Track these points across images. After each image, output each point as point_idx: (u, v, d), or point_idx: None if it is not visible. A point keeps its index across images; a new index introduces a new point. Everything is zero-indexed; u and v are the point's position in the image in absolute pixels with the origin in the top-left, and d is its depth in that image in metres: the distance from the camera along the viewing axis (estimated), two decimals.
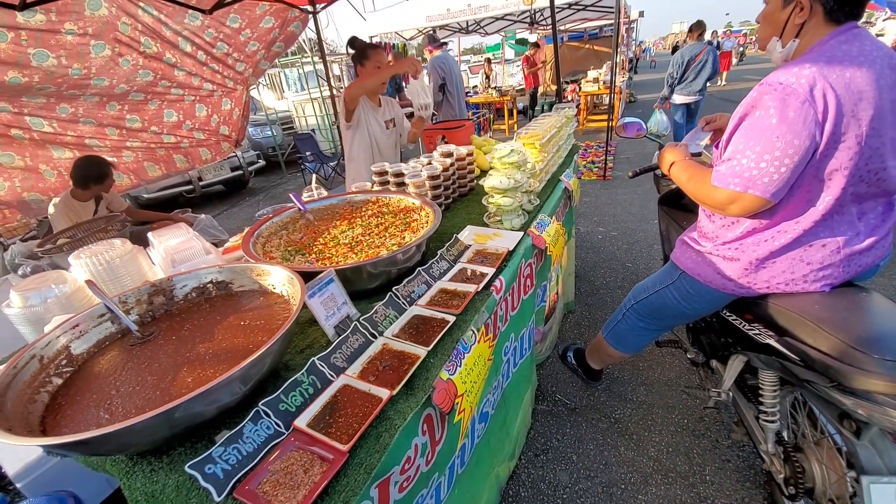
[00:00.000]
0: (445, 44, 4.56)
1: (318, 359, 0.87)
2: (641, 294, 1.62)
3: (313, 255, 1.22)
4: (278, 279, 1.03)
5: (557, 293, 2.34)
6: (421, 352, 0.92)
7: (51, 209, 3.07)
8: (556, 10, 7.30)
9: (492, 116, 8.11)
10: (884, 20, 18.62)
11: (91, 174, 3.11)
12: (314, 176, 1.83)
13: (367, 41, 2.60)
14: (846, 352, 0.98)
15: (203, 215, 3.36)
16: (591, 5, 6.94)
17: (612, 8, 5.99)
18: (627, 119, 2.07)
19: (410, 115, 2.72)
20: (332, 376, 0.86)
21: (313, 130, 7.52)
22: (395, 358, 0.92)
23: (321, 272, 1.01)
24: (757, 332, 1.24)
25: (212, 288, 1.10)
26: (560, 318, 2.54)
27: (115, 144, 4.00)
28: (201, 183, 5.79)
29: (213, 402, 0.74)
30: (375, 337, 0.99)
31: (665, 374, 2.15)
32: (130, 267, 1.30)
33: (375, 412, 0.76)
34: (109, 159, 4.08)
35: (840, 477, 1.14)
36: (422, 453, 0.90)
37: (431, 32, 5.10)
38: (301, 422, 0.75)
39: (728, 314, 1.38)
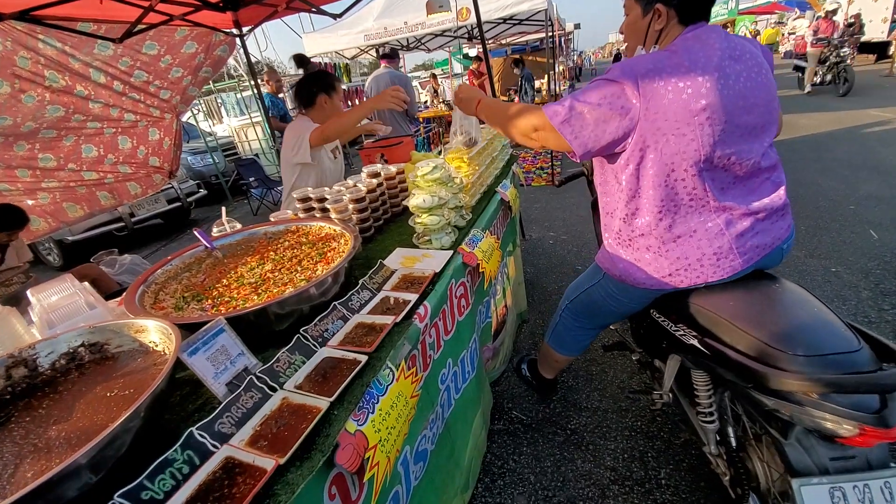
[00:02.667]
0: (391, 57, 4.42)
1: (197, 428, 0.75)
2: (573, 293, 1.64)
3: (209, 301, 1.09)
4: (157, 335, 0.90)
5: (507, 305, 2.29)
6: (323, 404, 0.82)
7: None
8: (493, 24, 7.51)
9: (441, 130, 8.17)
10: (794, 19, 20.49)
11: (9, 220, 2.77)
12: (223, 209, 1.69)
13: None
14: (761, 349, 0.97)
15: (128, 255, 3.09)
16: (526, 20, 7.17)
17: (546, 22, 6.20)
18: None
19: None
20: (214, 447, 0.75)
21: (257, 155, 7.26)
22: (293, 414, 0.81)
23: (209, 322, 0.89)
24: (682, 332, 1.23)
25: (83, 352, 0.95)
26: (513, 329, 2.50)
27: (29, 186, 3.65)
28: (134, 219, 5.40)
29: (55, 501, 0.61)
30: (275, 390, 0.88)
31: (617, 376, 2.14)
32: (1, 332, 1.13)
33: (253, 492, 0.65)
34: (26, 202, 3.73)
35: (781, 474, 1.13)
36: None
37: (385, 48, 5.01)
38: None
39: (657, 315, 1.37)
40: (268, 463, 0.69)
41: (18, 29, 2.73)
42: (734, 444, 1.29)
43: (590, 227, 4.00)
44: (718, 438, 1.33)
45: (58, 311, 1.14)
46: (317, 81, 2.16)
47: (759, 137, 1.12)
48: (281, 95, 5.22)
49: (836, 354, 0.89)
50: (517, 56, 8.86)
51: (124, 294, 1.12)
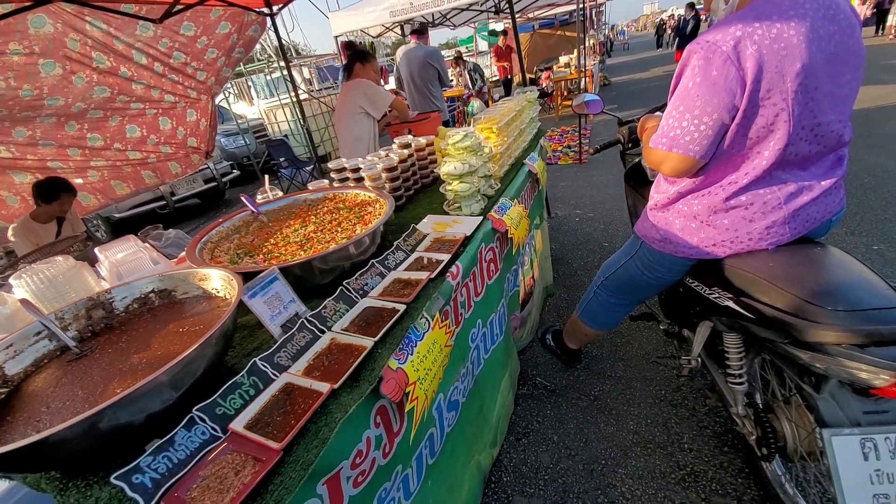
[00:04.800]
0: (421, 32, 4.39)
1: (259, 359, 0.84)
2: (609, 269, 1.62)
3: (261, 256, 1.19)
4: (219, 282, 1.00)
5: (534, 277, 2.33)
6: (368, 343, 0.89)
7: (10, 235, 2.97)
8: None
9: (465, 109, 8.09)
10: None
11: (55, 186, 3.00)
12: (266, 178, 1.79)
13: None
14: (800, 306, 0.98)
15: (172, 230, 3.28)
16: None
17: None
18: (588, 97, 2.06)
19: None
20: (274, 375, 0.84)
21: (286, 136, 7.42)
22: (342, 352, 0.89)
23: (263, 271, 0.98)
24: (717, 295, 1.24)
25: (154, 297, 1.06)
26: (540, 302, 2.54)
27: (79, 165, 3.90)
28: (174, 198, 5.68)
29: (142, 411, 0.71)
30: (323, 332, 0.96)
31: (642, 347, 2.16)
32: (75, 283, 1.25)
33: (313, 407, 0.73)
34: (76, 180, 3.99)
35: (809, 433, 1.15)
36: (376, 446, 0.88)
37: (414, 24, 4.95)
38: (238, 424, 0.72)
39: (690, 281, 1.38)
40: (323, 387, 0.77)
41: (68, 11, 2.88)
42: (762, 405, 1.31)
43: (617, 206, 3.95)
44: (747, 401, 1.35)
45: (126, 266, 1.27)
46: (354, 54, 2.92)
47: (843, 108, 1.04)
48: None
49: (877, 310, 0.90)
50: (459, 53, 9.55)
51: (185, 250, 1.23)
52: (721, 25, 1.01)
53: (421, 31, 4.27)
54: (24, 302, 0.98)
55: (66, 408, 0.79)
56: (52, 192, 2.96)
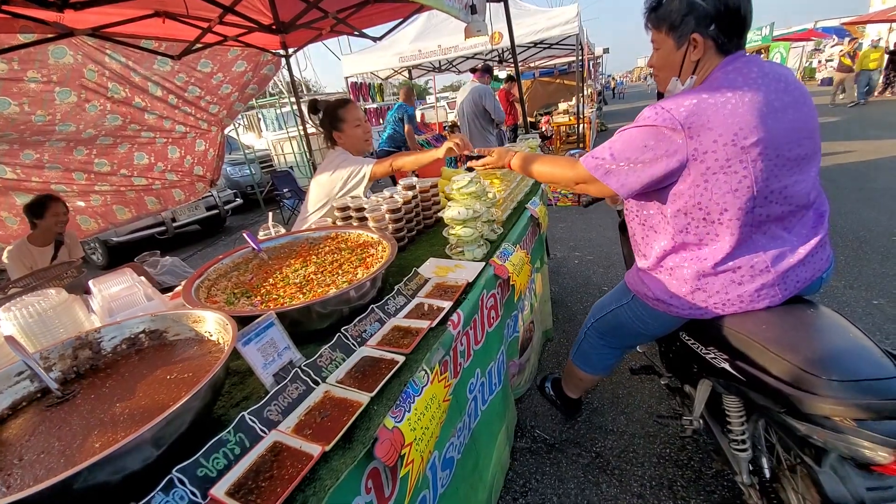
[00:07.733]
0: (482, 71, 4.56)
1: (248, 413, 0.80)
2: (600, 312, 1.62)
3: (258, 298, 1.16)
4: (213, 325, 0.96)
5: (533, 322, 2.29)
6: (363, 398, 0.85)
7: (5, 258, 2.93)
8: (524, 47, 7.71)
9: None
10: (832, 46, 20.02)
11: (41, 199, 2.99)
12: (270, 214, 1.79)
13: (336, 99, 2.11)
14: (795, 374, 0.95)
15: (169, 257, 3.26)
16: (557, 44, 7.31)
17: (575, 46, 6.31)
18: (572, 152, 2.12)
19: None
20: (263, 432, 0.79)
21: (291, 168, 7.56)
22: (335, 407, 0.85)
23: (260, 316, 0.95)
24: (713, 355, 1.21)
25: (144, 338, 1.02)
26: (539, 347, 2.48)
27: (83, 189, 3.92)
28: (175, 224, 5.69)
29: (120, 471, 0.66)
30: (318, 384, 0.92)
31: (644, 401, 2.09)
32: (65, 318, 1.21)
33: (302, 474, 0.68)
34: (77, 203, 3.99)
35: None
36: None
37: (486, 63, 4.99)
38: (219, 490, 0.67)
39: (686, 337, 1.35)
40: (314, 449, 0.73)
41: (89, 44, 2.99)
42: (768, 474, 1.25)
43: (616, 249, 3.97)
44: (752, 468, 1.29)
45: (118, 301, 1.23)
46: (324, 124, 2.09)
47: (808, 168, 1.10)
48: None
49: (872, 380, 0.87)
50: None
51: (181, 288, 1.20)
52: (678, 96, 1.08)
53: (483, 70, 4.53)
54: (9, 339, 0.94)
55: (39, 461, 0.73)
56: (40, 204, 2.95)
